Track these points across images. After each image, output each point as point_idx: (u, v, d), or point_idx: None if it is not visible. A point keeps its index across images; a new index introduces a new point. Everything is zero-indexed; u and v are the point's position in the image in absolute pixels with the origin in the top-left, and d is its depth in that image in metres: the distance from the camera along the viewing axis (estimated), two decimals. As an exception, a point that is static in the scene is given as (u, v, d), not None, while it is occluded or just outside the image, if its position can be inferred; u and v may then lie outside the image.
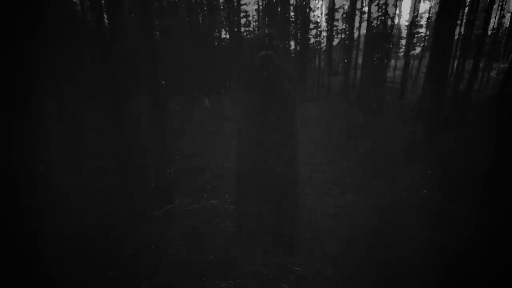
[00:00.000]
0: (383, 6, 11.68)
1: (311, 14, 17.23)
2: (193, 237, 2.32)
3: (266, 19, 12.68)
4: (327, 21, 15.98)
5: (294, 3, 13.57)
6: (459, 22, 11.55)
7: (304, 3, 12.82)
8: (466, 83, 7.78)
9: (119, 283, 1.82)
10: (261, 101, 1.85)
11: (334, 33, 17.54)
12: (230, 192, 3.05)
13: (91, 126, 4.28)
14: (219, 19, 12.11)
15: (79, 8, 5.73)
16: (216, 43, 11.64)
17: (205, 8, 11.25)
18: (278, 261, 2.01)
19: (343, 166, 4.11)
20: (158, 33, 9.77)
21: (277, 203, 2.02)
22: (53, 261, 1.94)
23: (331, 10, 14.15)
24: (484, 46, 11.49)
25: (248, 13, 15.38)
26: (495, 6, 14.02)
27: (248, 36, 14.13)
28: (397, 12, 22.22)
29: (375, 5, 12.04)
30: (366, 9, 13.58)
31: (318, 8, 21.15)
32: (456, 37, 11.30)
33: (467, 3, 11.53)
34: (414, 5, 13.50)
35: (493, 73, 15.84)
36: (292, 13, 13.83)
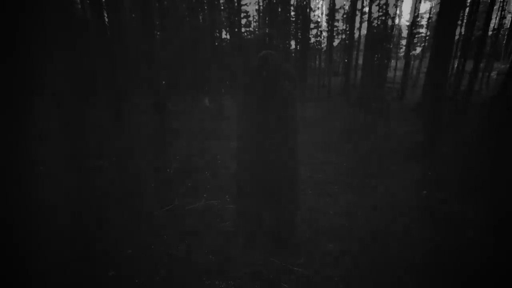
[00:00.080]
0: (384, 7, 11.68)
1: (312, 14, 17.25)
2: (193, 237, 2.32)
3: (267, 19, 12.69)
4: (327, 21, 16.00)
5: (295, 3, 13.57)
6: (459, 22, 11.54)
7: (304, 3, 12.81)
8: (467, 84, 7.78)
9: (119, 283, 1.82)
10: (261, 101, 1.84)
11: (334, 33, 17.54)
12: (230, 192, 3.05)
13: (91, 126, 4.28)
14: (219, 19, 12.11)
15: (79, 7, 5.74)
16: (216, 43, 11.64)
17: (205, 7, 11.25)
18: (278, 261, 2.01)
19: (343, 166, 4.11)
20: (158, 33, 9.78)
21: (277, 203, 2.02)
22: (52, 261, 1.94)
23: (332, 10, 14.16)
24: (485, 47, 11.48)
25: (248, 13, 15.41)
26: (496, 7, 14.02)
27: (249, 36, 14.14)
28: (398, 12, 22.25)
29: (376, 5, 12.04)
30: (366, 9, 13.59)
31: (318, 8, 21.17)
32: (456, 37, 11.30)
33: (468, 4, 11.53)
34: (415, 5, 13.50)
35: (493, 74, 15.84)
36: (292, 13, 13.83)
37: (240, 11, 10.79)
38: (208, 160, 4.24)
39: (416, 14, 13.78)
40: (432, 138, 4.85)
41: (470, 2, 10.84)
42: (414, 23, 13.68)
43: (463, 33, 11.57)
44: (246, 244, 2.16)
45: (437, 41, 7.29)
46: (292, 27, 13.77)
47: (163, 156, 4.29)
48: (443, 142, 5.07)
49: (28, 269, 1.85)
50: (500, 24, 15.96)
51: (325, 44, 19.13)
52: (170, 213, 2.69)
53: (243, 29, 13.17)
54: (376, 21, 12.15)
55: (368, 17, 12.39)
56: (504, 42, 21.61)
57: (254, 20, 17.38)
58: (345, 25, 19.65)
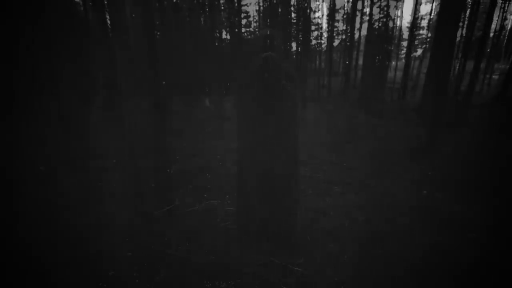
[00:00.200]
0: (385, 8, 11.67)
1: (312, 15, 17.26)
2: (193, 237, 2.32)
3: (268, 20, 12.68)
4: (328, 22, 16.00)
5: (295, 4, 13.57)
6: (460, 24, 11.54)
7: (305, 4, 12.82)
8: (467, 84, 7.77)
9: (119, 283, 1.82)
10: (262, 102, 1.85)
11: (335, 34, 17.55)
12: (230, 192, 3.06)
13: (91, 126, 4.29)
14: (219, 19, 12.13)
15: (82, 8, 5.76)
16: (216, 44, 11.66)
17: (206, 9, 11.27)
18: (278, 261, 2.01)
19: (343, 167, 4.11)
20: (158, 33, 9.79)
21: (277, 203, 2.02)
22: (53, 261, 1.95)
23: (332, 11, 14.16)
24: (485, 48, 11.48)
25: (249, 14, 15.42)
26: (496, 9, 14.01)
27: (249, 37, 14.15)
28: (399, 13, 22.25)
29: (377, 7, 12.04)
30: (366, 10, 13.60)
31: (319, 9, 21.18)
32: (457, 38, 11.28)
33: (469, 5, 11.52)
34: (416, 7, 13.50)
35: (494, 75, 15.83)
36: (293, 14, 13.83)
37: (240, 12, 10.81)
38: (209, 160, 4.24)
39: (416, 15, 13.79)
40: (432, 138, 4.85)
41: (471, 3, 10.84)
42: (414, 25, 13.68)
43: (464, 34, 11.57)
44: (246, 244, 2.16)
45: (438, 42, 7.29)
46: (293, 28, 13.77)
47: (163, 156, 4.30)
48: (443, 142, 5.08)
49: (28, 269, 1.86)
50: (501, 26, 15.95)
51: (325, 45, 19.16)
52: (171, 213, 2.69)
53: (243, 30, 13.18)
54: (377, 23, 12.15)
55: (369, 19, 12.39)
56: (504, 43, 21.61)
57: (255, 20, 17.38)
58: (345, 25, 19.66)
